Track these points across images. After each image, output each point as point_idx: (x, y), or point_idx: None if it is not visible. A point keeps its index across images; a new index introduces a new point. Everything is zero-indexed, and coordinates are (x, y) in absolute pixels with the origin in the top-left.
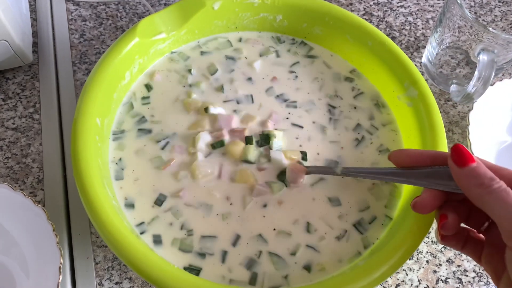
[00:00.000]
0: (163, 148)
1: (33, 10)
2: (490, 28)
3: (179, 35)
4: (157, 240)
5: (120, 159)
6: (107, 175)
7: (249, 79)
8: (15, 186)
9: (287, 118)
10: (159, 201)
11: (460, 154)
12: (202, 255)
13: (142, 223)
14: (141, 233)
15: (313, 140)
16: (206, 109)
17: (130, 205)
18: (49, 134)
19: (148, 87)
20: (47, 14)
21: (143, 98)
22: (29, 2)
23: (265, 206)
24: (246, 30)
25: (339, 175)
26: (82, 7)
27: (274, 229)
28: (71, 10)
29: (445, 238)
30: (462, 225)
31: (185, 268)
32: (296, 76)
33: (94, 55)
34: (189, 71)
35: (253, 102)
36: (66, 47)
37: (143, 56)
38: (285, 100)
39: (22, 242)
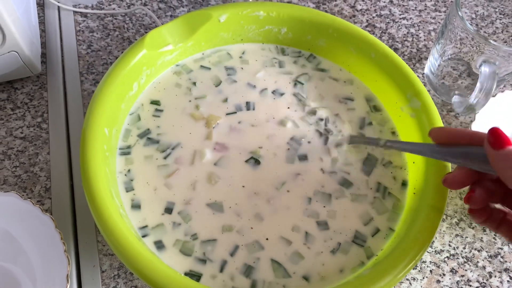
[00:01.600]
0: (165, 158)
1: (42, 21)
2: (491, 41)
3: (186, 46)
4: (160, 245)
5: (129, 170)
6: (114, 184)
7: (253, 87)
8: (23, 195)
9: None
10: (168, 210)
11: (497, 136)
12: (202, 260)
13: (145, 226)
14: (143, 236)
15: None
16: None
17: (136, 206)
18: (56, 143)
19: (155, 102)
20: (55, 25)
21: (151, 110)
22: (38, 13)
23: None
24: (252, 42)
25: (382, 147)
26: (89, 18)
27: (267, 239)
28: (79, 22)
29: (472, 212)
30: (499, 206)
31: (185, 274)
32: (302, 86)
33: (101, 65)
34: (194, 83)
35: (254, 109)
36: (73, 58)
37: (150, 67)
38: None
39: (29, 250)
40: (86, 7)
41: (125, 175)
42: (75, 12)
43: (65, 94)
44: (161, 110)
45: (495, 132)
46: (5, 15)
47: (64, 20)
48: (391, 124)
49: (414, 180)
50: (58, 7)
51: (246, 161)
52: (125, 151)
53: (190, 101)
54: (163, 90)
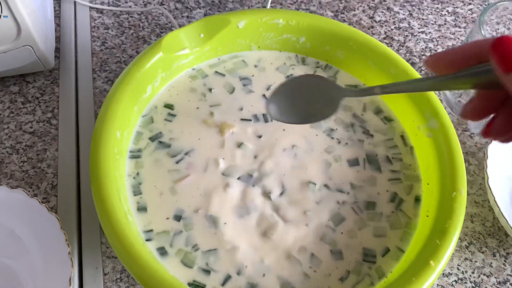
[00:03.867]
0: (177, 163)
1: (57, 15)
2: None
3: (202, 51)
4: (163, 252)
5: (138, 173)
6: (123, 188)
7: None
8: (29, 191)
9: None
10: (176, 217)
11: (503, 56)
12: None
13: (151, 230)
14: (147, 240)
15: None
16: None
17: (143, 209)
18: (65, 140)
19: (168, 106)
20: (70, 21)
21: (164, 113)
22: (54, 7)
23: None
24: (269, 49)
25: (379, 94)
26: (105, 15)
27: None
28: (95, 18)
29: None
30: None
31: (189, 284)
32: None
33: (115, 63)
34: (209, 90)
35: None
36: (87, 54)
37: (165, 71)
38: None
39: (33, 249)
40: (102, 3)
41: (134, 178)
42: (91, 7)
43: (76, 91)
44: (174, 115)
45: (500, 49)
46: (22, 8)
47: (79, 15)
48: (408, 141)
49: (428, 202)
50: (75, 1)
51: None
52: (136, 154)
53: (201, 107)
54: (176, 95)
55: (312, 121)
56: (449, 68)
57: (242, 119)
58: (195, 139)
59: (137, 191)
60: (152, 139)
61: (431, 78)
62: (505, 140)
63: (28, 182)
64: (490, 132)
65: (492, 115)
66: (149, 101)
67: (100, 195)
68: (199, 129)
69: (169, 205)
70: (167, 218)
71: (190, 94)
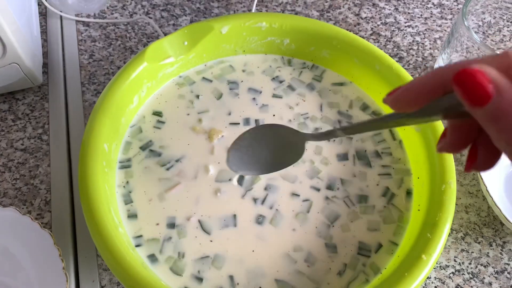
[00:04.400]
0: (168, 170)
1: (44, 31)
2: (497, 52)
3: (188, 59)
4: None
5: (128, 182)
6: (113, 200)
7: (254, 99)
8: (22, 208)
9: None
10: (169, 225)
11: (468, 92)
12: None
13: (140, 236)
14: (137, 246)
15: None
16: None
17: (133, 216)
18: (57, 155)
19: (157, 113)
20: (57, 35)
21: (153, 121)
22: (40, 22)
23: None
24: (254, 53)
25: (343, 136)
26: (92, 27)
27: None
28: (81, 31)
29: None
30: None
31: None
32: (303, 99)
33: (103, 75)
34: (197, 96)
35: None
36: (75, 68)
37: (151, 80)
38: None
39: (28, 266)
40: (88, 16)
41: (124, 187)
42: (77, 21)
43: (66, 105)
44: (163, 122)
45: (463, 83)
46: (6, 26)
47: (66, 29)
48: (396, 135)
49: (419, 195)
50: (61, 16)
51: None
52: (125, 164)
53: (190, 114)
54: (164, 102)
55: (278, 168)
56: (413, 105)
57: (231, 123)
58: (185, 146)
59: (128, 200)
60: (142, 148)
61: (395, 115)
62: (489, 169)
63: (22, 200)
64: (474, 167)
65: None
66: (136, 111)
67: (90, 209)
68: (188, 136)
69: (159, 212)
70: (157, 224)
71: (179, 100)
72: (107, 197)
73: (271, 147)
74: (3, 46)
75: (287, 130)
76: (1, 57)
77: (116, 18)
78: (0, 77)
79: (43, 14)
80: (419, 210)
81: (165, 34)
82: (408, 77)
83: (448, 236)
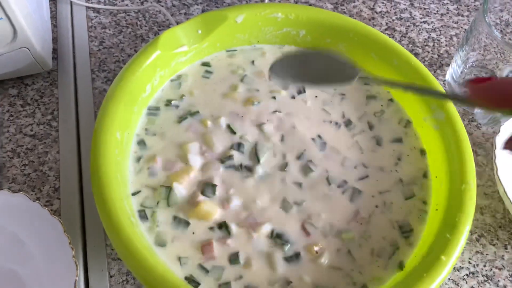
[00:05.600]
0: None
1: (54, 16)
2: None
3: (201, 48)
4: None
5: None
6: (125, 189)
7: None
8: (31, 194)
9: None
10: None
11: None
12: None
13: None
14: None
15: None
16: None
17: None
18: (66, 142)
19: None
20: (67, 21)
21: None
22: (50, 8)
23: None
24: (269, 43)
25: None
26: (102, 14)
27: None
28: (91, 17)
29: None
30: None
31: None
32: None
33: (113, 63)
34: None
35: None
36: (85, 55)
37: (164, 69)
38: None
39: (37, 253)
40: (99, 2)
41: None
42: (87, 7)
43: (75, 92)
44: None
45: None
46: (17, 10)
47: (76, 15)
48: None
49: (437, 195)
50: (71, 2)
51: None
52: (138, 155)
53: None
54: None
55: (324, 85)
56: (500, 103)
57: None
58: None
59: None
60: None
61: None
62: None
63: (31, 186)
64: None
65: None
66: (149, 100)
67: (102, 199)
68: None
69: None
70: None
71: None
72: (119, 186)
73: (317, 68)
74: (14, 30)
75: (339, 58)
76: (12, 41)
77: (127, 5)
78: (10, 61)
79: None
80: (437, 210)
81: (177, 23)
82: (427, 73)
83: None
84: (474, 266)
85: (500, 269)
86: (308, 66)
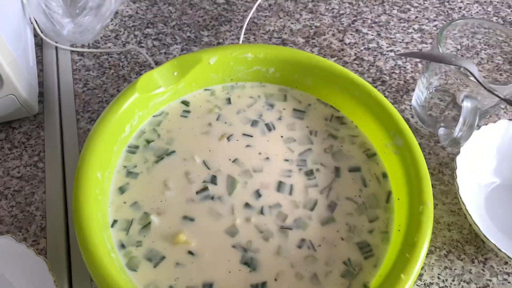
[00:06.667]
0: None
1: (40, 61)
2: (471, 78)
3: (177, 88)
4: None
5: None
6: (106, 226)
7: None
8: (18, 235)
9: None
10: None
11: None
12: None
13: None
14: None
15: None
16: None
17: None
18: (52, 182)
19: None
20: (53, 65)
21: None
22: (36, 53)
23: None
24: (241, 81)
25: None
26: (86, 57)
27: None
28: (76, 60)
29: None
30: None
31: None
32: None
33: (97, 103)
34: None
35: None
36: (70, 97)
37: (142, 110)
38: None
39: None
40: (83, 46)
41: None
42: (72, 51)
43: (61, 133)
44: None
45: None
46: (1, 58)
47: (61, 59)
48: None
49: (399, 216)
50: (56, 47)
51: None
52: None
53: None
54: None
55: None
56: None
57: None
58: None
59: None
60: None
61: None
62: None
63: (18, 226)
64: None
65: None
66: (128, 140)
67: (83, 236)
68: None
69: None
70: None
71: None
72: (100, 224)
73: None
74: (0, 79)
75: None
76: None
77: (109, 47)
78: None
79: (39, 45)
80: (399, 230)
81: (156, 63)
82: (386, 103)
83: (432, 254)
84: (443, 281)
85: (468, 282)
86: None
